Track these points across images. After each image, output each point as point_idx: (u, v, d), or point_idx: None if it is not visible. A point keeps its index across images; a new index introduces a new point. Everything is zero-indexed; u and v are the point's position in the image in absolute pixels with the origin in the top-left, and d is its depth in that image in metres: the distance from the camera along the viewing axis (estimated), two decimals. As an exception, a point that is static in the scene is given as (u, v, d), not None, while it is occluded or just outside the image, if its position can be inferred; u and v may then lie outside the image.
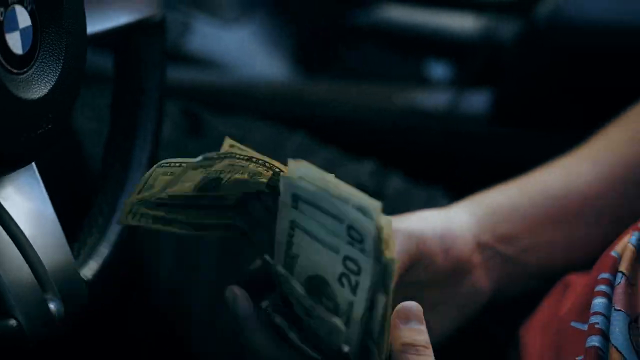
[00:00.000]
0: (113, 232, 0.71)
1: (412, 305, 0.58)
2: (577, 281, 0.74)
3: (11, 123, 0.58)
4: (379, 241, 0.55)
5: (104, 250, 0.69)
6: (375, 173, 0.94)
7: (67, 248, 0.65)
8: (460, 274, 0.72)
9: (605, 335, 0.64)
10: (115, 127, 0.75)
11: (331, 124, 1.07)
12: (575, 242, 0.77)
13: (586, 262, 0.75)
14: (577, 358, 0.66)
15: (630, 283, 0.65)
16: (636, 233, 0.68)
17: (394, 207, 0.90)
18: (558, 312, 0.72)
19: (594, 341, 0.64)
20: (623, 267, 0.66)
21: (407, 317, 0.57)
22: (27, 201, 0.63)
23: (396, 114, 1.09)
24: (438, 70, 1.30)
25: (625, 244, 0.69)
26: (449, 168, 1.05)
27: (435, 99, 1.10)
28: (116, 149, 0.74)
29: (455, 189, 0.94)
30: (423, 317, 0.58)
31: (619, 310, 0.64)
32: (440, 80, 1.29)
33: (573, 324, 0.68)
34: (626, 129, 0.81)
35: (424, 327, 0.58)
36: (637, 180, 0.77)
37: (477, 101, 1.09)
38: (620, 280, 0.65)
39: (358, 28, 1.31)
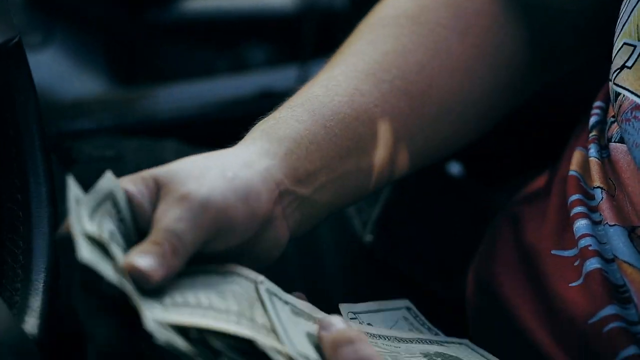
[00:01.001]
0: (37, 281, 0.63)
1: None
2: (526, 212, 0.72)
3: None
4: None
5: (35, 303, 0.61)
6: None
7: (7, 310, 0.57)
8: (261, 230, 0.62)
9: (601, 255, 0.63)
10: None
11: (188, 125, 1.02)
12: (365, 171, 0.69)
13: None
14: (570, 284, 0.65)
15: (610, 195, 0.64)
16: (593, 145, 0.67)
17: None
18: (522, 245, 0.70)
19: (594, 263, 0.63)
20: (598, 182, 0.65)
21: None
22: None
23: (250, 102, 1.04)
24: (258, 53, 1.26)
25: (582, 161, 0.68)
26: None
27: (279, 80, 1.07)
28: (10, 191, 0.66)
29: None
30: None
31: (614, 225, 0.63)
32: (262, 62, 1.25)
33: (554, 252, 0.67)
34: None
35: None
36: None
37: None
38: (602, 195, 0.64)
39: (164, 26, 1.25)
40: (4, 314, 0.56)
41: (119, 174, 0.84)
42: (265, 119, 0.66)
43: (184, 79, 1.17)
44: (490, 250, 0.74)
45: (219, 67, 1.25)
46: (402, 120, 0.70)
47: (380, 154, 0.70)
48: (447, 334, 0.71)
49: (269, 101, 1.04)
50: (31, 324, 0.59)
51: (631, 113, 0.61)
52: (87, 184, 0.81)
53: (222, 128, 1.04)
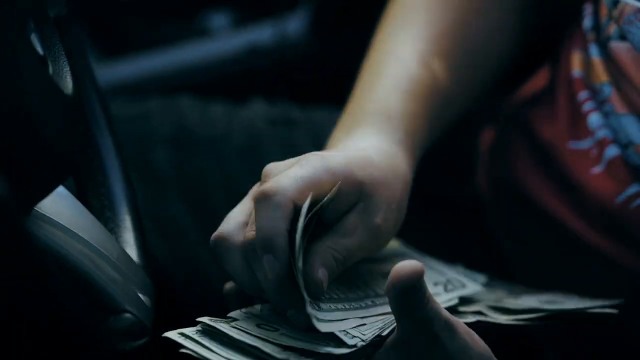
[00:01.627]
0: (125, 220, 0.69)
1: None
2: (534, 114, 0.79)
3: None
4: None
5: (130, 238, 0.67)
6: (274, 108, 0.96)
7: (116, 242, 0.63)
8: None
9: (618, 142, 0.70)
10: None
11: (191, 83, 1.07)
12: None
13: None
14: (592, 170, 0.72)
15: (618, 88, 0.71)
16: (593, 46, 0.73)
17: (313, 130, 0.93)
18: (535, 142, 0.77)
19: (614, 151, 0.70)
20: (603, 78, 0.71)
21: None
22: (66, 207, 0.61)
23: (240, 59, 1.10)
24: (218, 19, 1.31)
25: (582, 61, 0.74)
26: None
27: (256, 37, 1.13)
28: (81, 146, 0.71)
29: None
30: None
31: (626, 113, 0.70)
32: (223, 27, 1.30)
33: (570, 144, 0.74)
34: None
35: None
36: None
37: (296, 24, 1.14)
38: (611, 88, 0.71)
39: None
40: (118, 249, 0.62)
41: (148, 129, 0.90)
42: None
43: (170, 45, 1.22)
44: (502, 151, 0.81)
45: (184, 36, 1.29)
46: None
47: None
48: (464, 233, 0.81)
49: (254, 57, 1.12)
50: (133, 255, 0.66)
51: (635, 16, 0.68)
52: (122, 143, 0.88)
53: (218, 84, 1.10)
